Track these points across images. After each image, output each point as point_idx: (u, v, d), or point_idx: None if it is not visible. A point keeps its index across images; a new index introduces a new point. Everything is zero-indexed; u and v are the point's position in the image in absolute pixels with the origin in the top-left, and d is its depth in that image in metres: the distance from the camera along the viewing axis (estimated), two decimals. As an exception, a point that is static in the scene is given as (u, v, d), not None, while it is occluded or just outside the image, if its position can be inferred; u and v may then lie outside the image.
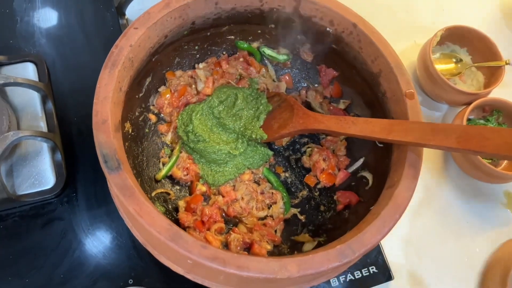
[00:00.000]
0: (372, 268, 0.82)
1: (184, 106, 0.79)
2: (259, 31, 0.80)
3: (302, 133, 0.78)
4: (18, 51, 0.91)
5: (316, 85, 0.84)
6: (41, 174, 0.81)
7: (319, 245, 0.70)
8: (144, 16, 0.65)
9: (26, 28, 0.94)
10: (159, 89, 0.78)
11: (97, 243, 0.79)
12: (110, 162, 0.56)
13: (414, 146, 0.62)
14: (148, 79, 0.75)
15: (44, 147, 0.82)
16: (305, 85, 0.85)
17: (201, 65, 0.81)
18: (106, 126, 0.57)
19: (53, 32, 0.95)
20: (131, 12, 0.96)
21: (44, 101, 0.86)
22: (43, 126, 0.84)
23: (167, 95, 0.78)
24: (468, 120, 0.93)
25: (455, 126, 0.59)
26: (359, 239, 0.56)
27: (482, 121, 0.94)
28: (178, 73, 0.80)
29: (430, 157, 0.95)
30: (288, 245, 0.73)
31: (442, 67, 0.98)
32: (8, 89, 0.85)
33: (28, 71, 0.88)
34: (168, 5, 0.67)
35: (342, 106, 0.81)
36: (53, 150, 0.82)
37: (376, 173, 0.73)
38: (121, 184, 0.55)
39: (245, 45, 0.81)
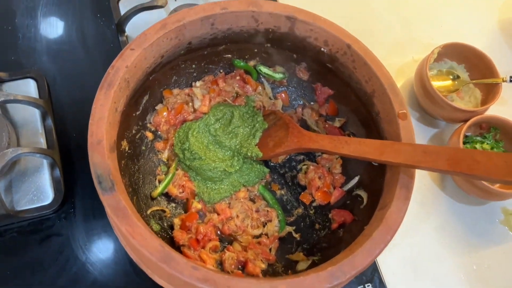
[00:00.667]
0: (368, 286, 0.82)
1: (181, 123, 0.80)
2: (256, 50, 0.80)
3: (297, 151, 0.79)
4: (20, 67, 0.93)
5: (312, 103, 0.85)
6: (39, 190, 0.82)
7: (313, 264, 0.70)
8: (141, 37, 0.66)
9: (28, 44, 0.96)
10: (156, 107, 0.79)
11: (94, 259, 0.79)
12: (104, 183, 0.57)
13: (406, 167, 0.62)
14: (145, 97, 0.76)
15: (43, 163, 0.83)
16: (301, 102, 0.86)
17: (198, 83, 0.82)
18: (101, 146, 0.58)
19: (54, 48, 0.96)
20: (131, 29, 0.97)
21: (44, 117, 0.87)
22: (42, 142, 0.85)
23: (164, 113, 0.79)
24: (465, 137, 0.94)
25: (446, 149, 0.60)
26: (350, 261, 0.56)
27: (479, 138, 0.94)
28: (175, 91, 0.81)
29: (426, 173, 0.95)
30: (282, 264, 0.73)
31: (439, 84, 0.98)
32: (9, 105, 0.86)
33: (29, 87, 0.90)
34: (165, 26, 0.68)
35: (337, 124, 0.82)
36: (52, 166, 0.84)
37: (371, 192, 0.73)
38: (115, 205, 0.56)
39: (242, 64, 0.82)
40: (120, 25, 0.94)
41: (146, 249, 0.53)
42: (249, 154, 0.77)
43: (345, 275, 0.55)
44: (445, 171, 0.57)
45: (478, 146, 0.92)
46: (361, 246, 0.57)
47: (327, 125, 0.83)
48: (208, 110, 0.81)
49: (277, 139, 0.76)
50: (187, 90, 0.82)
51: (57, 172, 0.83)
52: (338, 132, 0.81)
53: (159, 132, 0.80)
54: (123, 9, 0.98)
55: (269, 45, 0.79)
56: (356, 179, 0.77)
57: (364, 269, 0.56)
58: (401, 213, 0.60)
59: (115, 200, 0.56)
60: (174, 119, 0.80)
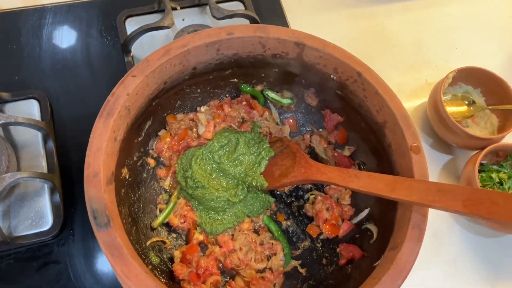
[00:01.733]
0: (378, 321, 0.78)
1: (184, 150, 0.78)
2: (263, 75, 0.78)
3: (303, 183, 0.76)
4: (23, 86, 0.91)
5: (320, 129, 0.82)
6: (39, 215, 0.80)
7: (319, 303, 0.67)
8: (143, 63, 0.64)
9: (32, 64, 0.94)
10: (159, 133, 0.77)
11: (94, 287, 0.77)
12: (99, 219, 0.54)
13: (418, 206, 0.59)
14: (148, 123, 0.73)
15: (43, 186, 0.81)
16: (309, 129, 0.83)
17: (203, 108, 0.79)
18: (98, 179, 0.56)
19: (58, 68, 0.94)
20: (137, 48, 0.95)
21: (45, 140, 0.85)
22: (43, 165, 0.83)
23: (167, 139, 0.76)
24: (481, 165, 0.90)
25: (463, 188, 0.56)
26: (358, 307, 0.53)
27: (495, 167, 0.90)
28: (179, 116, 0.78)
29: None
30: (286, 301, 0.70)
31: (454, 109, 0.95)
32: (10, 127, 0.84)
33: (31, 108, 0.88)
34: (168, 52, 0.65)
35: (347, 152, 0.79)
36: (52, 191, 0.81)
37: (381, 226, 0.69)
38: (110, 242, 0.53)
39: (248, 89, 0.79)
40: (125, 45, 0.92)
41: (142, 291, 0.51)
42: (253, 183, 0.74)
43: (353, 323, 0.52)
44: (462, 212, 0.53)
45: (494, 175, 0.88)
46: (370, 291, 0.54)
47: (336, 154, 0.80)
48: (213, 137, 0.78)
49: (284, 168, 0.73)
50: (191, 115, 0.79)
51: (57, 197, 0.81)
52: (347, 161, 0.78)
53: (162, 159, 0.77)
54: (130, 28, 0.96)
55: (276, 70, 0.76)
56: (366, 211, 0.74)
57: (373, 316, 0.53)
58: (413, 255, 0.56)
59: (110, 237, 0.53)
60: (177, 145, 0.77)
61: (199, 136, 0.79)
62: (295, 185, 0.81)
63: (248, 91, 0.80)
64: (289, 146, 0.75)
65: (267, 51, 0.71)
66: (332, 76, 0.71)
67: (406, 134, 0.63)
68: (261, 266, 0.73)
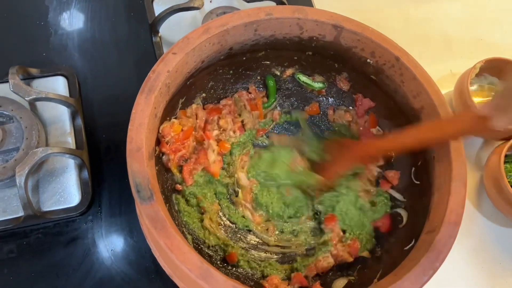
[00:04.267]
0: (399, 307, 0.79)
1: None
2: (296, 58, 0.78)
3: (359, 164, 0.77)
4: (51, 64, 0.91)
5: (350, 107, 0.82)
6: (66, 191, 0.80)
7: (349, 284, 0.67)
8: (183, 41, 0.64)
9: (60, 42, 0.94)
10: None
11: (120, 264, 0.77)
12: (143, 192, 0.54)
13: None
14: (181, 102, 0.73)
15: (71, 164, 0.81)
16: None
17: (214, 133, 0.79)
18: (140, 154, 0.56)
19: (85, 47, 0.94)
20: (164, 29, 0.95)
21: (73, 117, 0.85)
22: (71, 142, 0.83)
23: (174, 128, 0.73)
24: (506, 156, 0.90)
25: None
26: (397, 287, 0.53)
27: (520, 158, 0.90)
28: (189, 111, 0.77)
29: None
30: (316, 279, 0.71)
31: (480, 100, 0.95)
32: (39, 103, 0.84)
33: (59, 85, 0.88)
34: (208, 31, 0.65)
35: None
36: (80, 167, 0.82)
37: (412, 212, 0.70)
38: (153, 215, 0.53)
39: (272, 84, 0.81)
40: (154, 25, 0.92)
41: (185, 264, 0.51)
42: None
43: (392, 303, 0.52)
44: None
45: (519, 166, 0.88)
46: (409, 272, 0.54)
47: (361, 128, 0.80)
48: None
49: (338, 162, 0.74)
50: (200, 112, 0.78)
51: (85, 174, 0.81)
52: (372, 135, 0.79)
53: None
54: (158, 9, 0.96)
55: (310, 53, 0.76)
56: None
57: (412, 296, 0.53)
58: (451, 238, 0.57)
59: (153, 211, 0.54)
60: (181, 142, 0.74)
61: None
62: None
63: (271, 87, 0.81)
64: (343, 143, 0.76)
65: (304, 33, 0.71)
66: (368, 60, 0.71)
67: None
68: None
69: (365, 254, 0.72)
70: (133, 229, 0.80)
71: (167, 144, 0.69)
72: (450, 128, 0.62)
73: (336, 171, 0.73)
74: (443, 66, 1.05)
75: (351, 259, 0.71)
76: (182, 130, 0.74)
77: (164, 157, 0.71)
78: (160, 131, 0.72)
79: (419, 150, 0.67)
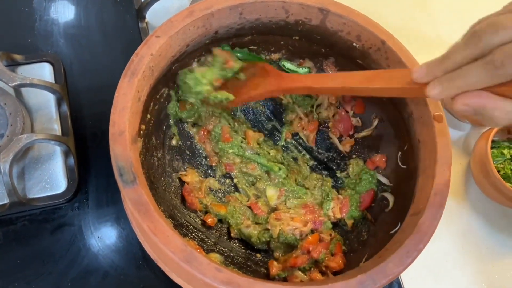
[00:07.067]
0: (387, 293, 0.80)
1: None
2: (282, 43, 0.77)
3: (276, 94, 0.76)
4: (36, 50, 0.90)
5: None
6: (52, 178, 0.79)
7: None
8: (167, 24, 0.63)
9: (45, 28, 0.93)
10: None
11: (107, 251, 0.77)
12: (126, 176, 0.54)
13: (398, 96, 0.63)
14: (166, 89, 0.73)
15: (57, 150, 0.81)
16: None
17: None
18: (123, 138, 0.55)
19: (71, 33, 0.93)
20: (151, 15, 0.94)
21: (59, 103, 0.84)
22: (57, 128, 0.83)
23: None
24: (493, 141, 0.90)
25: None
26: (381, 269, 0.53)
27: (506, 143, 0.90)
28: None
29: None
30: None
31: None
32: (24, 89, 0.83)
33: (45, 71, 0.87)
34: (192, 14, 0.64)
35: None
36: (66, 154, 0.81)
37: (398, 196, 0.70)
38: (136, 199, 0.53)
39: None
40: (140, 11, 0.91)
41: (169, 247, 0.51)
42: (217, 99, 0.70)
43: (375, 284, 0.52)
44: None
45: (506, 151, 0.89)
46: (393, 254, 0.54)
47: (343, 113, 0.80)
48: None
49: (253, 86, 0.70)
50: None
51: (71, 160, 0.80)
52: (349, 121, 0.80)
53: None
54: (144, -6, 0.95)
55: (297, 37, 0.75)
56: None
57: (395, 277, 0.54)
58: (435, 221, 0.57)
59: (136, 194, 0.53)
60: None
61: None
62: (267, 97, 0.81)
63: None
64: (264, 67, 0.73)
65: (290, 17, 0.70)
66: (354, 44, 0.70)
67: (430, 103, 0.63)
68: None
69: (349, 223, 0.74)
70: (120, 216, 0.79)
71: None
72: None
73: (249, 94, 0.70)
74: (431, 51, 1.05)
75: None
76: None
77: None
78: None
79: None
